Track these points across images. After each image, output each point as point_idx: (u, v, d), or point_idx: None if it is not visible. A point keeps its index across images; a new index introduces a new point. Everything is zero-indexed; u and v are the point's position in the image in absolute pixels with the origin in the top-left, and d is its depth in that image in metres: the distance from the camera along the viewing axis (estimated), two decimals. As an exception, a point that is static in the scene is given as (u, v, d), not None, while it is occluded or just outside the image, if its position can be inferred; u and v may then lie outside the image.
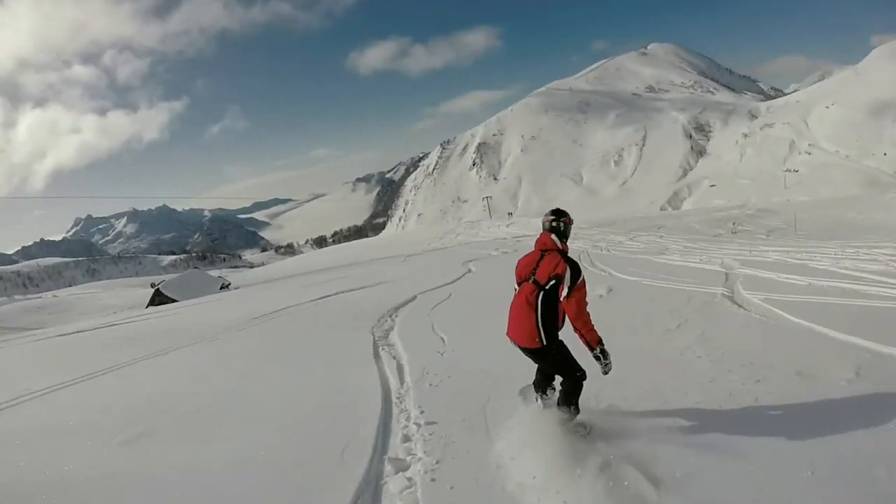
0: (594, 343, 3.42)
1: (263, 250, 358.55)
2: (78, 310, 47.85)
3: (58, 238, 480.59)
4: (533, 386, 3.80)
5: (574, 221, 3.83)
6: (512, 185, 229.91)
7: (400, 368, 5.82)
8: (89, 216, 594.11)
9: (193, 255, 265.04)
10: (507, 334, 3.50)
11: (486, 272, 14.86)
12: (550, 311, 3.32)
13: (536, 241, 3.60)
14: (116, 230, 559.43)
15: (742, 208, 48.82)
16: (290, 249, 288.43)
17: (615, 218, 50.30)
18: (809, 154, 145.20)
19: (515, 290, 3.55)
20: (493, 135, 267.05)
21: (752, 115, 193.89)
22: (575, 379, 3.42)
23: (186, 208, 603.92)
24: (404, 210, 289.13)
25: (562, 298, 3.37)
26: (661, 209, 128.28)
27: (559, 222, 3.58)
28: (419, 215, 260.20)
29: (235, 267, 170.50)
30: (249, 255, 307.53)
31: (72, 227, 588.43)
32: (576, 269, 3.35)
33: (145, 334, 11.40)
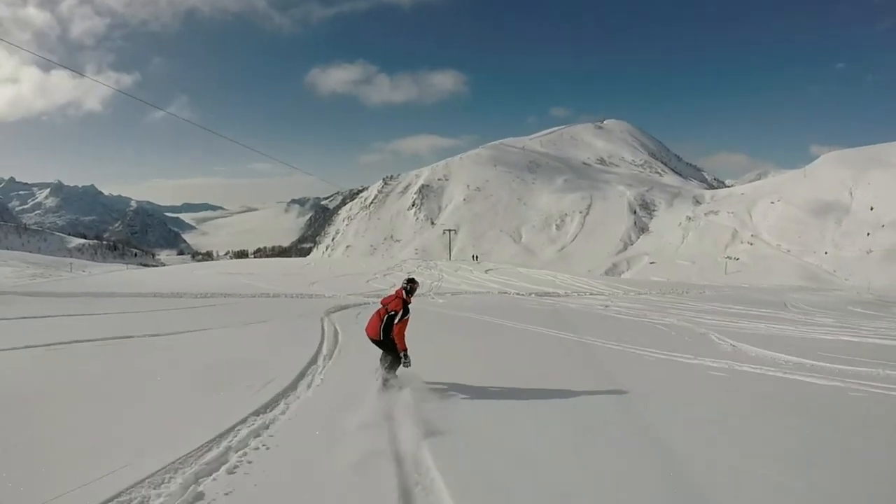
0: (401, 349, 5.79)
1: (180, 253, 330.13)
2: None
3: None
4: (379, 361, 6.20)
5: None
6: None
7: None
8: (12, 179, 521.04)
9: (105, 243, 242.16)
10: (365, 330, 6.10)
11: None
12: (389, 324, 5.87)
13: (396, 290, 6.08)
14: (37, 200, 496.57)
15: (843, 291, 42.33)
16: (207, 257, 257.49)
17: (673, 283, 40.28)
18: (752, 244, 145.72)
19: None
20: (439, 179, 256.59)
21: (697, 201, 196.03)
22: (397, 357, 5.85)
23: (114, 193, 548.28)
24: (333, 239, 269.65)
25: (395, 322, 5.82)
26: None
27: (409, 286, 6.10)
28: (348, 247, 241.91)
29: (145, 265, 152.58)
30: (165, 255, 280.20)
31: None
32: (405, 311, 5.85)
33: None
